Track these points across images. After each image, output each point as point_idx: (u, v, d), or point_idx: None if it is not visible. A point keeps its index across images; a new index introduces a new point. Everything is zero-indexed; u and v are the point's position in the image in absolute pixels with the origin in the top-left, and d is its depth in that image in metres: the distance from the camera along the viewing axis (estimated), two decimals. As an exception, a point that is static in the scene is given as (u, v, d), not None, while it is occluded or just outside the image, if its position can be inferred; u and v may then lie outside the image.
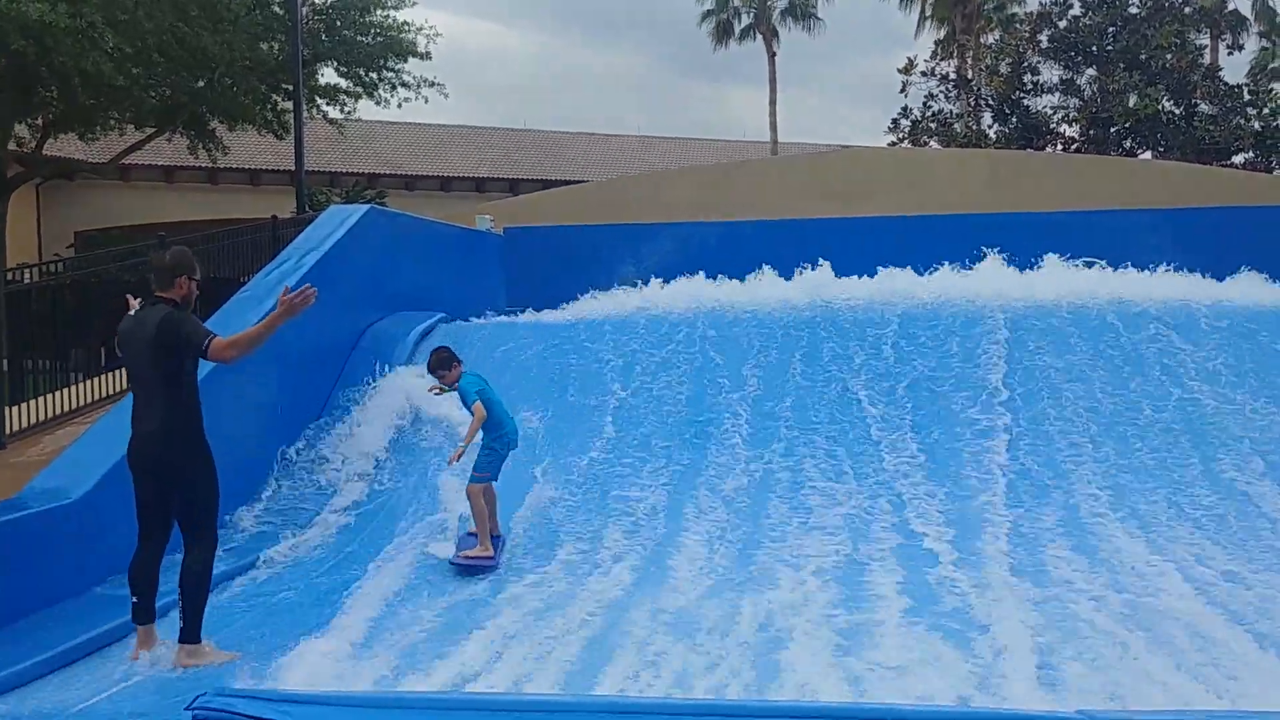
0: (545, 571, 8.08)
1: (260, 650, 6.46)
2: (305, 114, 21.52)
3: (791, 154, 34.61)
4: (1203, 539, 8.31)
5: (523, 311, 13.91)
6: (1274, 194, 18.18)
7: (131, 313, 6.37)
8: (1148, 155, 30.71)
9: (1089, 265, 13.23)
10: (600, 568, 8.11)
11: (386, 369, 11.01)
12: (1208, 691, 5.67)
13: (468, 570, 7.98)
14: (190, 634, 6.17)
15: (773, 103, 42.42)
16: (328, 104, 26.34)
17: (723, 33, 43.81)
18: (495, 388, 8.45)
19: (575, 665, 6.17)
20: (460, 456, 8.04)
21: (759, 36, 43.58)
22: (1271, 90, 32.32)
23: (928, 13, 40.81)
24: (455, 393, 8.37)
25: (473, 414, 8.07)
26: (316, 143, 30.41)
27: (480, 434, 8.16)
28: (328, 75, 26.18)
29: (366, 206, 13.30)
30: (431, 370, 8.40)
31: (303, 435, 10.30)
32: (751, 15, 43.47)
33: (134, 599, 6.29)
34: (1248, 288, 12.76)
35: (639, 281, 13.89)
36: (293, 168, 20.94)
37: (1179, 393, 10.25)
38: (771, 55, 43.24)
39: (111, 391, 11.43)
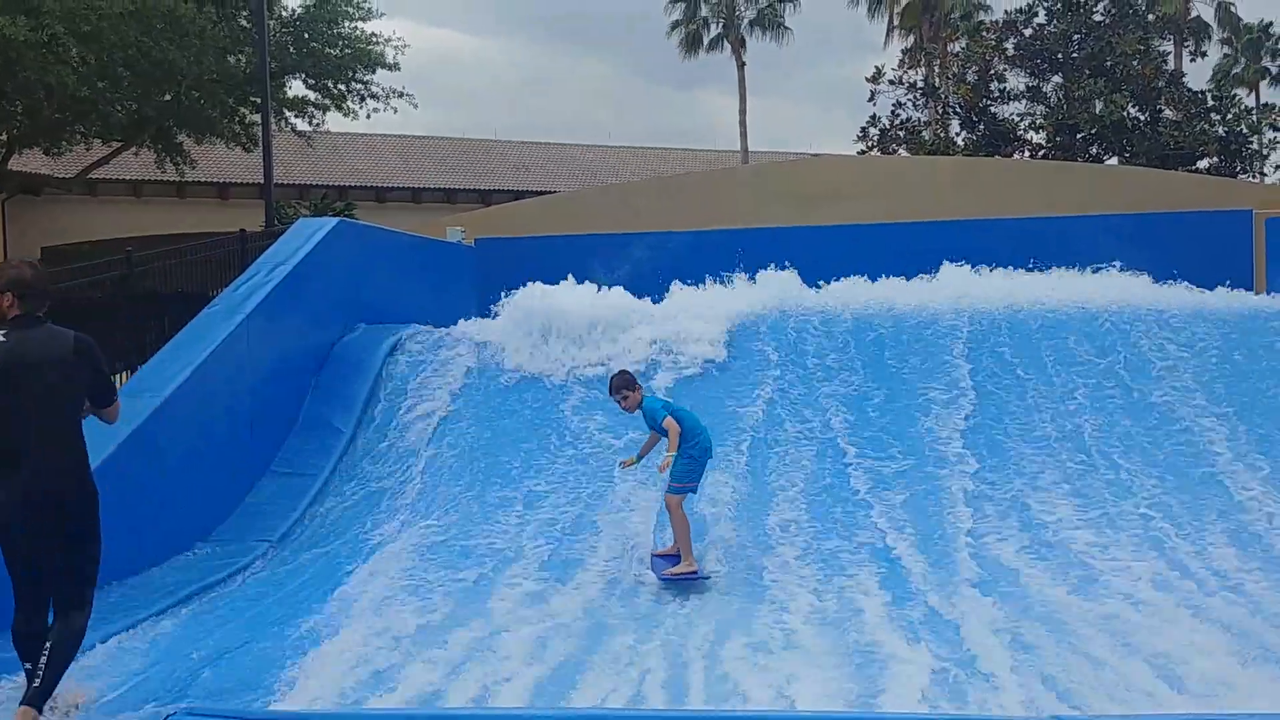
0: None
1: (238, 664, 6.40)
2: (273, 127, 21.47)
3: (761, 162, 34.72)
4: (1165, 529, 8.48)
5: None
6: (1238, 198, 18.37)
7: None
8: (1114, 161, 31.00)
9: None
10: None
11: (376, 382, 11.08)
12: (1171, 687, 5.75)
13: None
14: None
15: (742, 112, 42.61)
16: (296, 116, 26.29)
17: (692, 43, 43.98)
18: None
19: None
20: (668, 466, 7.87)
21: (728, 46, 43.77)
22: (1234, 96, 32.73)
23: (896, 21, 41.15)
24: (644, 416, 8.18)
25: (665, 430, 7.92)
26: (285, 155, 30.34)
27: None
28: (296, 87, 26.15)
29: (335, 219, 13.26)
30: (613, 392, 8.19)
31: (275, 447, 10.25)
32: (720, 26, 43.65)
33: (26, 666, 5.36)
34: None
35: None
36: (261, 181, 20.87)
37: (1138, 389, 10.48)
38: (740, 65, 43.43)
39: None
